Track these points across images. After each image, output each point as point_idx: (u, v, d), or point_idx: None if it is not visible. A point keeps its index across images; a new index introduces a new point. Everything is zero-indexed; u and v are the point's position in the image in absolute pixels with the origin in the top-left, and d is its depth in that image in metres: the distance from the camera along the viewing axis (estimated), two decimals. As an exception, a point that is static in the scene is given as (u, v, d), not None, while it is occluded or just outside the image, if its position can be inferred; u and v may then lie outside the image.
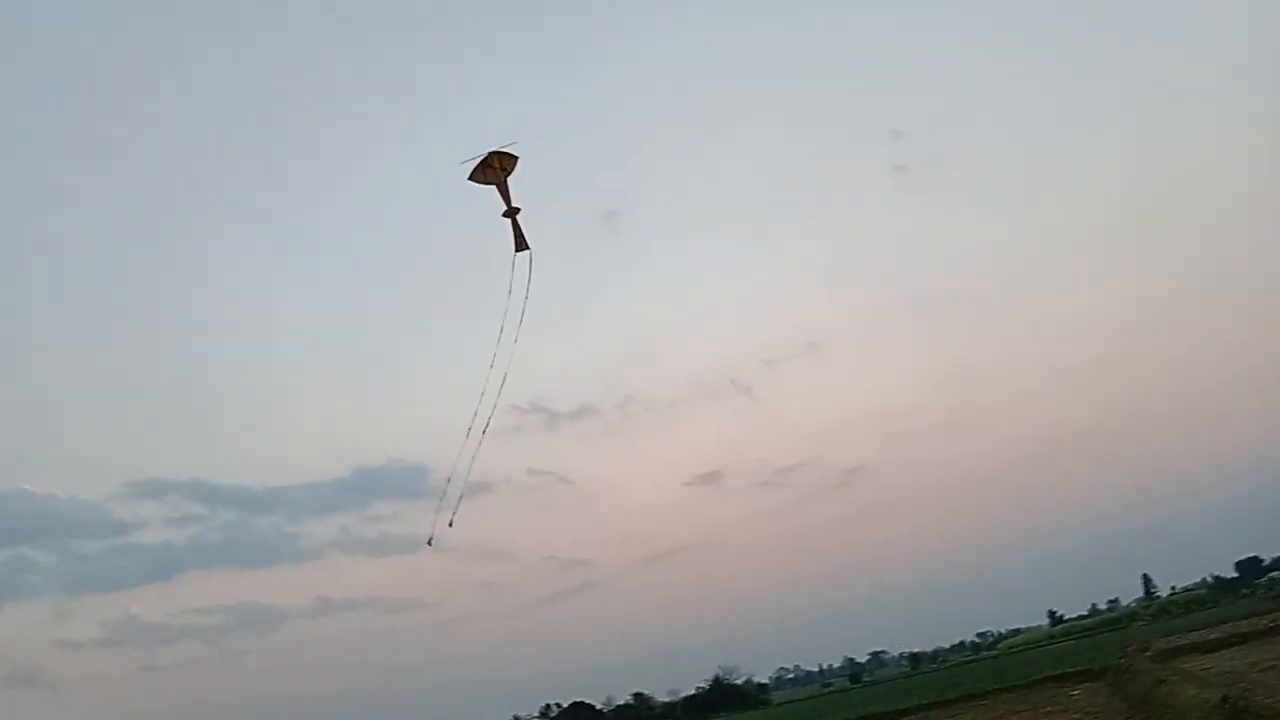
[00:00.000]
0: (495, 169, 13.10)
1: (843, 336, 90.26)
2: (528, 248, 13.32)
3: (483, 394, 13.70)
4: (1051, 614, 70.84)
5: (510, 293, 13.44)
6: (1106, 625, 60.84)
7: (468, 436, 14.02)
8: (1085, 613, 69.34)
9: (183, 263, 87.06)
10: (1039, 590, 74.97)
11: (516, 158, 13.27)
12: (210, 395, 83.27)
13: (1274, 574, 62.78)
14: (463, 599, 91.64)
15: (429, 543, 14.53)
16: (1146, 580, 67.47)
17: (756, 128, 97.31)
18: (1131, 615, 62.71)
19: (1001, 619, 75.41)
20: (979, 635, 75.09)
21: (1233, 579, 63.98)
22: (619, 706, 58.62)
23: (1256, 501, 71.00)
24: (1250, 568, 64.16)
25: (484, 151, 12.84)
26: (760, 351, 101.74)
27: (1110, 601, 69.32)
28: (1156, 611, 60.53)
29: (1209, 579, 65.98)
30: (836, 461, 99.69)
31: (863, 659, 77.67)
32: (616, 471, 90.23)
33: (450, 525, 14.55)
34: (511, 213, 13.37)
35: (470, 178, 13.16)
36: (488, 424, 13.99)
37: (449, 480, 14.43)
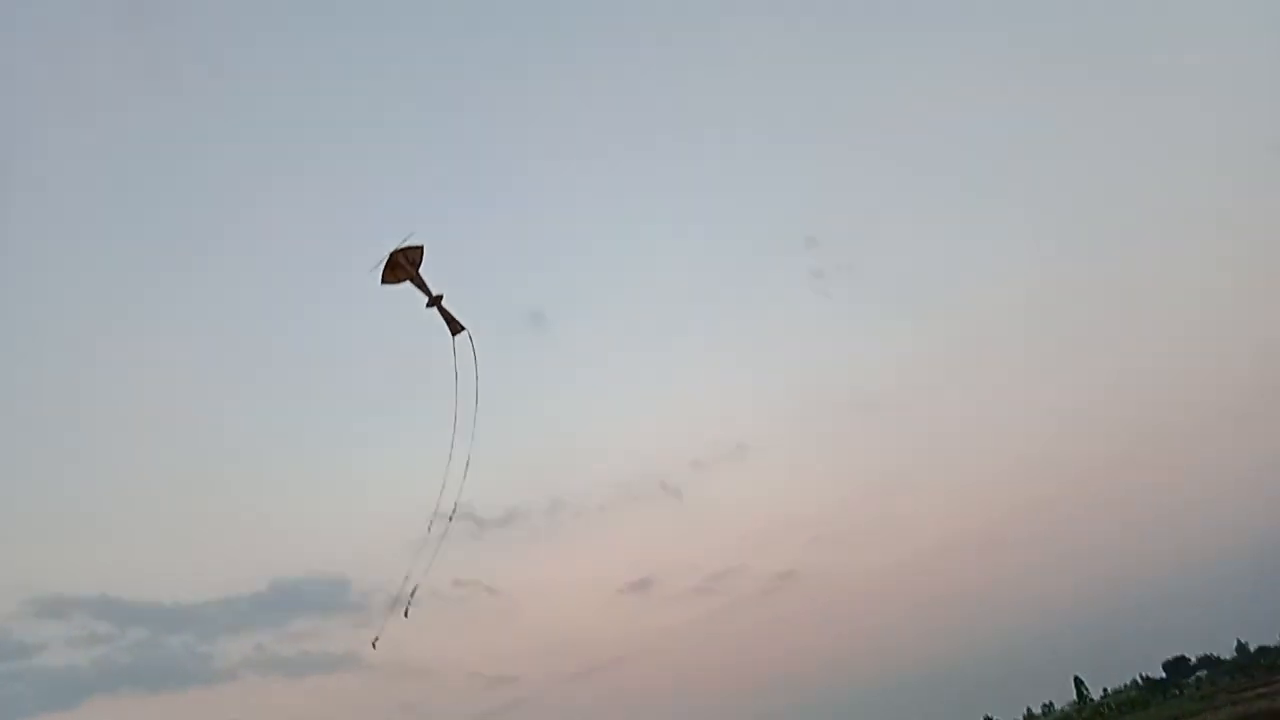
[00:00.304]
0: (403, 266, 12.92)
1: (769, 439, 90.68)
2: (463, 328, 13.14)
3: (442, 488, 13.23)
4: (987, 718, 70.55)
5: (457, 377, 13.18)
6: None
7: (429, 530, 13.55)
8: (1021, 718, 69.20)
9: (90, 365, 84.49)
10: (972, 695, 74.49)
11: (420, 247, 13.12)
12: (118, 504, 79.52)
13: (1200, 673, 63.38)
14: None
15: (374, 644, 14.01)
16: (1078, 682, 67.47)
17: (679, 235, 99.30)
18: (1064, 719, 62.51)
19: (937, 726, 74.38)
20: (914, 743, 73.74)
21: (1161, 679, 64.41)
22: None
23: (1183, 599, 71.97)
24: (1177, 667, 64.68)
25: (386, 254, 12.68)
26: (689, 454, 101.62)
27: (1045, 705, 69.21)
28: (1090, 715, 60.49)
29: (1139, 679, 66.40)
30: (768, 566, 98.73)
31: (799, 770, 75.54)
32: (546, 580, 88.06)
33: (405, 615, 14.06)
34: (434, 301, 13.22)
35: (383, 282, 12.96)
36: (451, 516, 13.53)
37: (406, 578, 13.88)
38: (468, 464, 13.74)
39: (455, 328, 13.36)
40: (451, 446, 13.59)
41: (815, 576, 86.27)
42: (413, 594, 13.96)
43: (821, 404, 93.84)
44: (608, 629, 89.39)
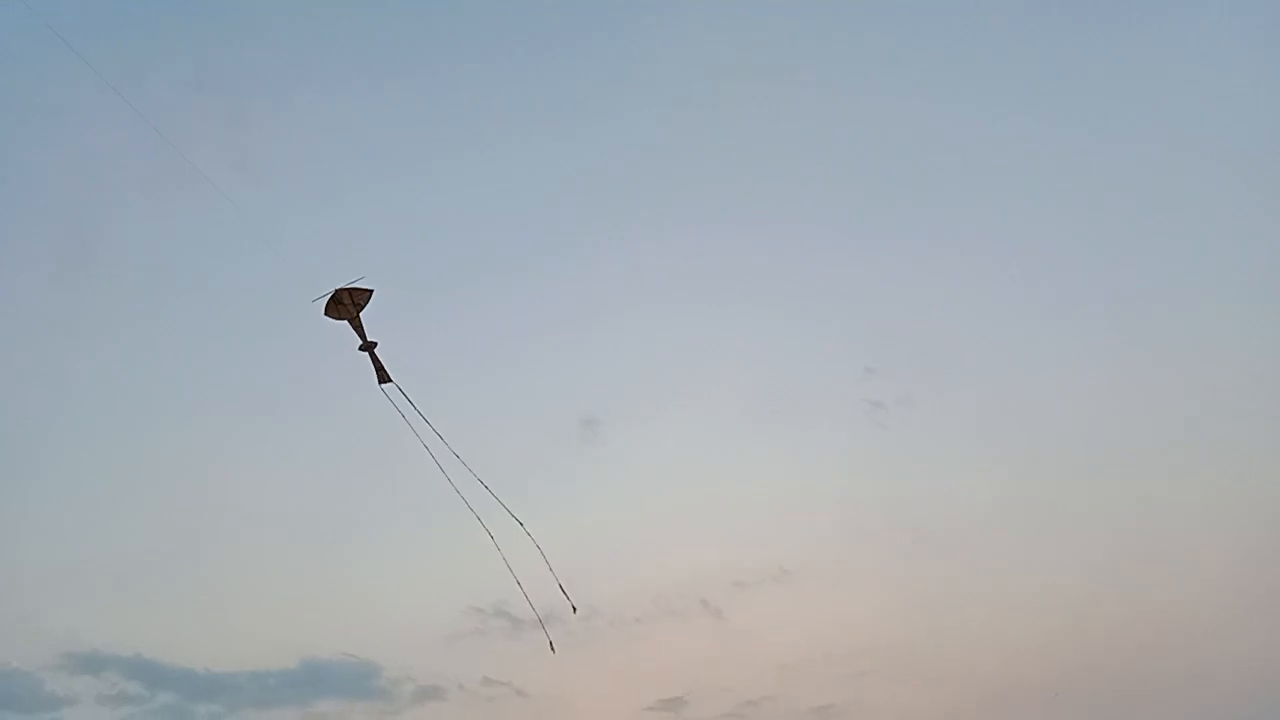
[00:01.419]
0: (346, 305, 13.22)
1: (815, 565, 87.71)
2: (390, 380, 13.37)
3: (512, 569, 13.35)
4: None
5: (409, 421, 13.37)
6: None
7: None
8: None
9: (142, 432, 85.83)
10: None
11: (369, 291, 13.38)
12: (162, 569, 79.80)
13: None
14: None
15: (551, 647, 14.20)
16: None
17: (736, 354, 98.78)
18: None
19: None
20: None
21: None
22: None
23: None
24: None
25: (331, 289, 13.06)
26: (732, 573, 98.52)
27: None
28: None
29: None
30: (805, 698, 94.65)
31: None
32: (576, 688, 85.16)
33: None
34: (367, 346, 13.50)
35: (325, 314, 13.28)
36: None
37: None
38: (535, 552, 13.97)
39: (382, 377, 13.58)
40: (456, 490, 13.79)
41: (855, 712, 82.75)
42: (573, 610, 13.99)
43: (871, 535, 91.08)
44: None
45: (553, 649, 14.86)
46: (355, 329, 13.60)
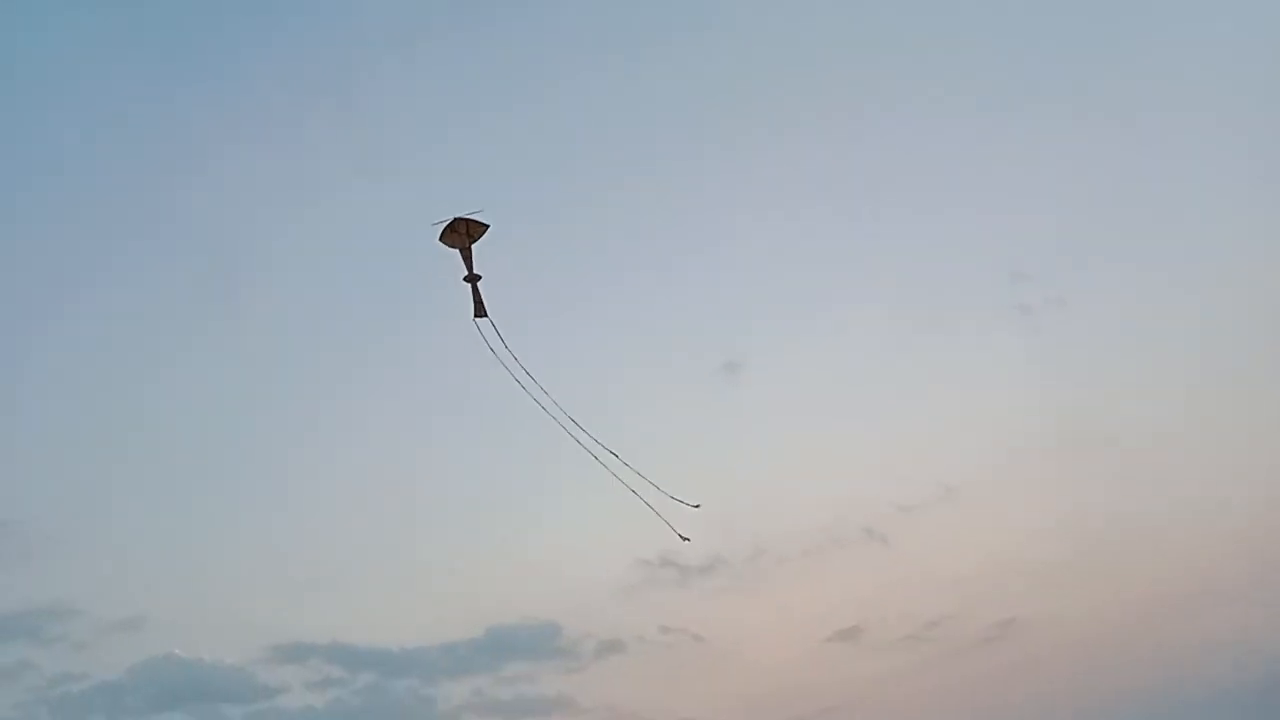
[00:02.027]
0: (461, 234, 13.20)
1: (980, 482, 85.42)
2: (486, 315, 13.35)
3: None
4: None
5: (499, 356, 13.41)
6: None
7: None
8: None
9: (308, 435, 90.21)
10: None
11: (486, 226, 13.32)
12: (349, 558, 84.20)
13: None
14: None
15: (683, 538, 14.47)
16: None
17: (877, 277, 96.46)
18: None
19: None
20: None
21: None
22: None
23: None
24: None
25: (450, 217, 13.09)
26: (895, 498, 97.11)
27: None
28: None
29: None
30: (986, 614, 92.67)
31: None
32: (751, 628, 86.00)
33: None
34: (472, 278, 13.46)
35: (440, 239, 13.32)
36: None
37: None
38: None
39: (479, 311, 13.51)
40: (556, 420, 13.83)
41: (1038, 624, 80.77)
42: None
43: (1034, 444, 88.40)
44: (815, 678, 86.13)
45: (682, 538, 14.77)
46: (465, 259, 13.69)
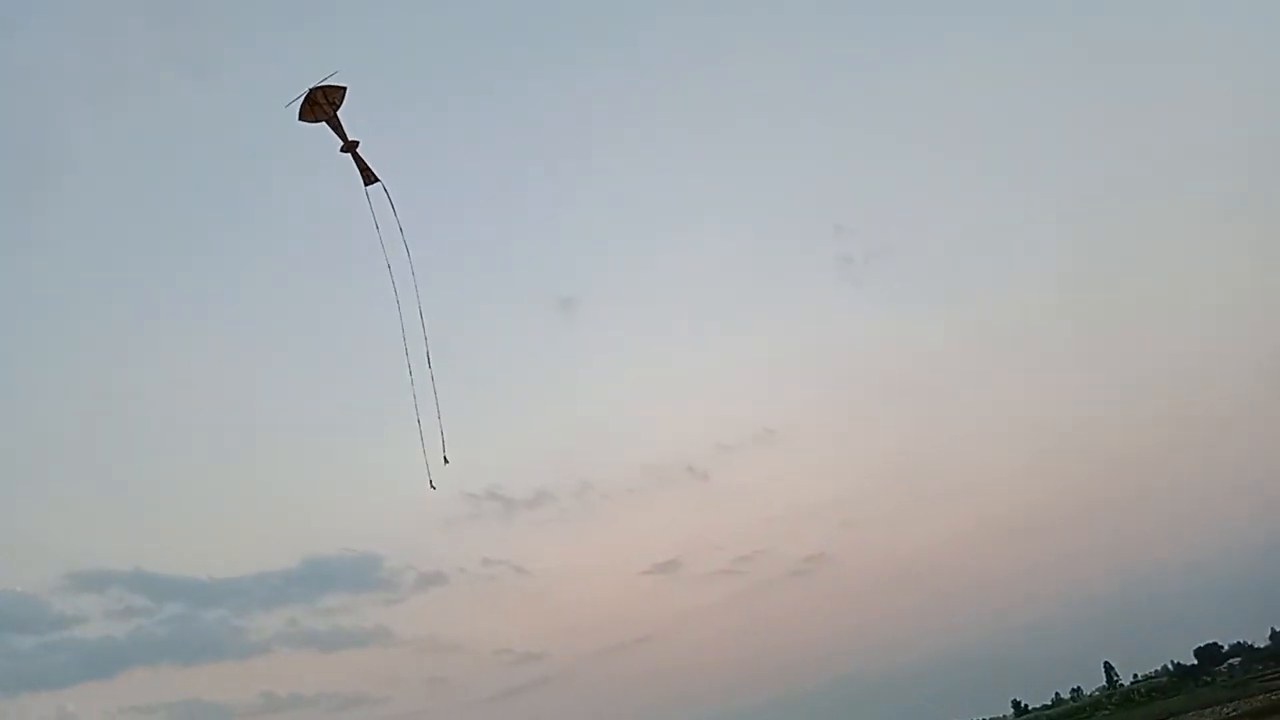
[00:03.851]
0: (322, 105, 12.74)
1: (797, 424, 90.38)
2: (376, 179, 13.06)
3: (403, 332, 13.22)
4: (1015, 704, 69.97)
5: (379, 229, 13.12)
6: (1070, 715, 59.97)
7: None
8: (1049, 702, 68.63)
9: (128, 346, 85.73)
10: (1001, 679, 74.20)
11: (343, 89, 12.86)
12: (157, 482, 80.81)
13: (1232, 660, 62.63)
14: (412, 694, 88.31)
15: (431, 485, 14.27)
16: (1108, 668, 67.02)
17: (707, 224, 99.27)
18: (1095, 704, 62.07)
19: (965, 710, 74.36)
20: (942, 727, 73.79)
21: (1192, 666, 63.63)
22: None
23: (1215, 587, 71.15)
24: (1209, 654, 63.89)
25: (305, 89, 12.60)
26: (716, 437, 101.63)
27: (1074, 690, 68.76)
28: (1120, 700, 60.01)
29: (1170, 666, 65.66)
30: (796, 549, 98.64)
31: (824, 753, 75.67)
32: (573, 561, 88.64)
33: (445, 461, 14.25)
34: (349, 147, 13.07)
35: (301, 118, 12.79)
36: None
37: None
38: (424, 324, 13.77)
39: (369, 178, 13.22)
40: (396, 295, 13.60)
41: (843, 559, 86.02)
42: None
43: (849, 389, 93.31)
44: (634, 609, 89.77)
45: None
46: (335, 129, 12.99)
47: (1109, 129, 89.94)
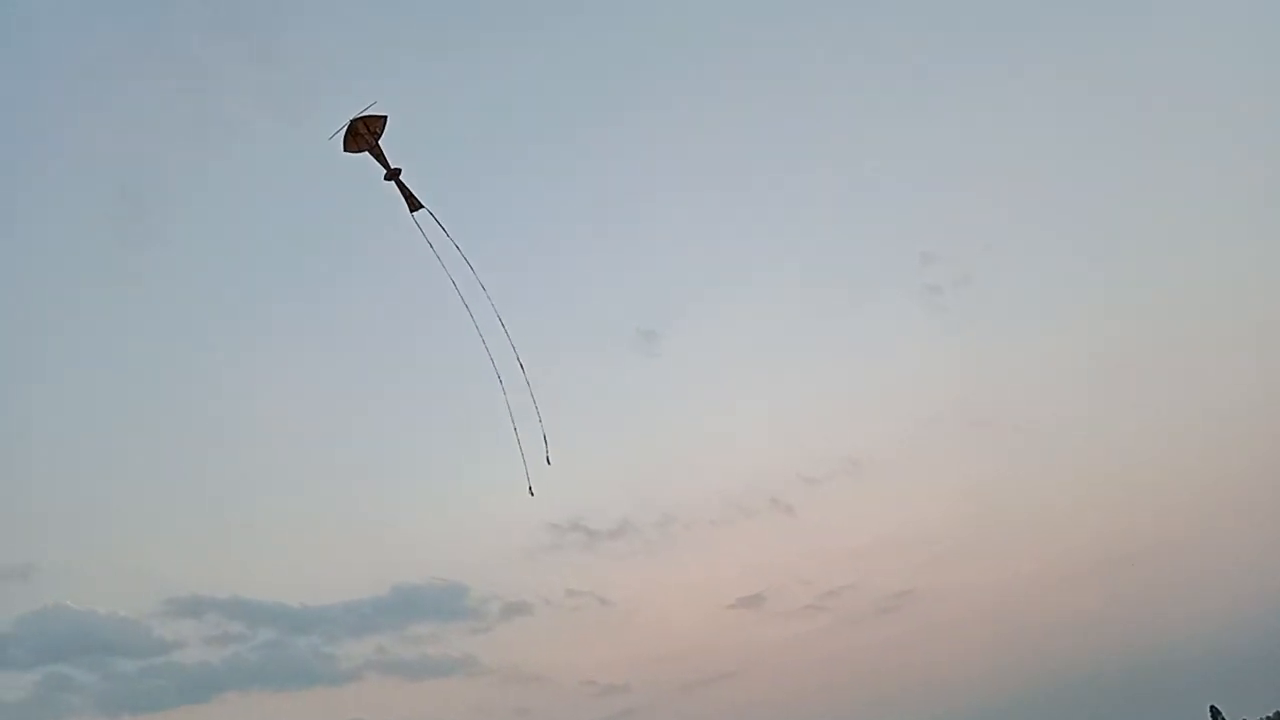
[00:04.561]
0: (364, 135, 13.07)
1: (884, 456, 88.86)
2: (422, 205, 13.32)
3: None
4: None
5: (435, 250, 13.28)
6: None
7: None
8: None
9: (224, 380, 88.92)
10: (1099, 720, 71.61)
11: (383, 118, 13.09)
12: (251, 512, 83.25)
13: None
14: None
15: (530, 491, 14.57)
16: (1214, 713, 64.35)
17: (790, 254, 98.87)
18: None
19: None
20: (1037, 770, 71.34)
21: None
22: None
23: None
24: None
25: (346, 121, 12.93)
26: (801, 469, 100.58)
27: (1177, 734, 66.32)
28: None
29: (1281, 712, 63.00)
30: (883, 585, 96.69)
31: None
32: (657, 592, 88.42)
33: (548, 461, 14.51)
34: (393, 174, 13.38)
35: (345, 149, 13.16)
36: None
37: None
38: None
39: (413, 204, 13.55)
40: (471, 314, 13.85)
41: (932, 596, 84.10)
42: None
43: (938, 420, 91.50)
44: (718, 643, 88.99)
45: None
46: (377, 158, 13.47)
47: (1207, 156, 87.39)
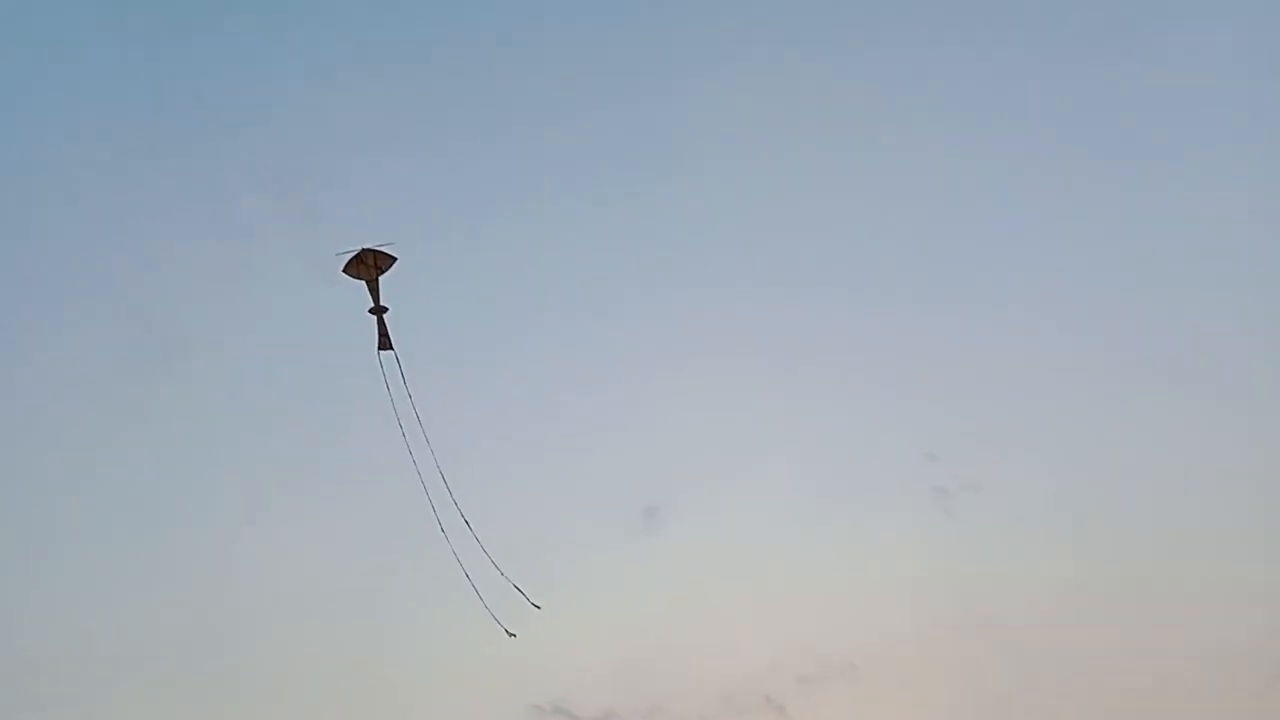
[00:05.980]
0: (369, 265, 13.21)
1: (883, 660, 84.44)
2: (391, 348, 13.21)
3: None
4: None
5: (390, 392, 13.12)
6: None
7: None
8: None
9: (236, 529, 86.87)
10: None
11: (394, 259, 13.51)
12: (186, 672, 79.91)
13: None
14: None
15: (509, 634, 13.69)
16: None
17: (797, 443, 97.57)
18: None
19: None
20: None
21: None
22: None
23: None
24: None
25: (358, 247, 13.02)
26: (797, 668, 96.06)
27: None
28: None
29: None
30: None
31: None
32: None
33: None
34: (378, 310, 13.38)
35: (344, 270, 13.25)
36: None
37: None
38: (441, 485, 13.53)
39: (384, 344, 13.49)
40: (420, 476, 13.41)
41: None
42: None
43: (941, 628, 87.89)
44: None
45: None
46: (371, 291, 13.62)
47: (1224, 358, 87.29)
